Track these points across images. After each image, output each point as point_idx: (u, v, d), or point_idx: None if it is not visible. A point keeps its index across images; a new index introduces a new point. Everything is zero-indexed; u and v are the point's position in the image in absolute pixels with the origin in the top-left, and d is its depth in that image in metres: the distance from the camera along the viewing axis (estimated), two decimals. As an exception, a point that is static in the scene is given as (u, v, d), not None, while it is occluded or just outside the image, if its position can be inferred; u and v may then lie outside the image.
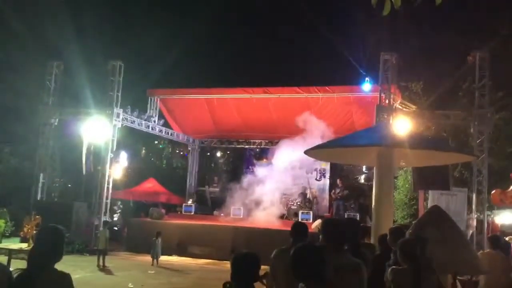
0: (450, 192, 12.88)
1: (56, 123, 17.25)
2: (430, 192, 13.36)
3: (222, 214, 17.77)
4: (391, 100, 14.03)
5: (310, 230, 4.72)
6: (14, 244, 12.03)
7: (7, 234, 14.63)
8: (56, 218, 12.28)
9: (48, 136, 17.12)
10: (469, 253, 5.18)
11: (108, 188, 15.84)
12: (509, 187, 12.25)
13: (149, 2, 26.25)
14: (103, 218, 15.32)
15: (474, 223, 13.20)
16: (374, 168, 9.40)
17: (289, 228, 4.54)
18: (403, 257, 4.13)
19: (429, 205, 12.58)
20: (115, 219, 19.17)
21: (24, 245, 11.08)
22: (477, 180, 13.35)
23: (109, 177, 15.87)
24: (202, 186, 21.06)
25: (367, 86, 15.35)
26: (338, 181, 18.09)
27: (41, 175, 16.84)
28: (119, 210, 19.17)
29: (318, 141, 11.30)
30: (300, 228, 4.46)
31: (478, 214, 13.29)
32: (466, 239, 7.10)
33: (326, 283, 2.85)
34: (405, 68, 15.02)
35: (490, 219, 14.20)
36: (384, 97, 13.99)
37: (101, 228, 13.94)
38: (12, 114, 17.66)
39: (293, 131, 15.45)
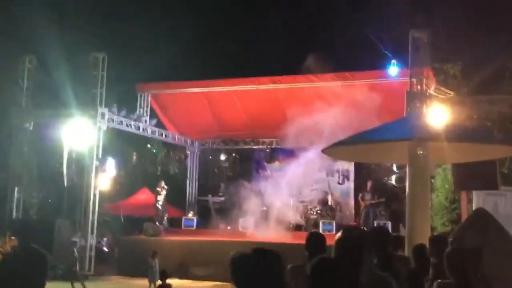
0: (498, 192, 12.74)
1: (31, 128, 17.35)
2: (474, 193, 13.23)
3: (229, 228, 17.81)
4: (424, 85, 13.93)
5: (332, 243, 4.69)
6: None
7: (-21, 259, 14.72)
8: (35, 239, 12.38)
9: (23, 143, 17.20)
10: (522, 263, 5.12)
11: (94, 201, 15.90)
12: None
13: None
14: (89, 238, 15.37)
15: (529, 228, 13.04)
16: (407, 167, 9.35)
17: (308, 242, 4.58)
18: (449, 270, 4.09)
19: (474, 208, 12.46)
20: (105, 239, 19.23)
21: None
22: (531, 177, 13.20)
23: (95, 188, 15.93)
24: (205, 196, 21.09)
25: (393, 69, 15.24)
26: (368, 184, 18.04)
27: (16, 188, 16.96)
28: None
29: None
30: (316, 240, 4.51)
31: (533, 217, 13.14)
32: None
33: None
34: (440, 48, 14.90)
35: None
36: (415, 82, 13.89)
37: (75, 249, 14.01)
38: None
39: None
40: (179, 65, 23.36)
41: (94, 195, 15.91)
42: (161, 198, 18.89)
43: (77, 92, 16.80)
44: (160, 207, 18.80)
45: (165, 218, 18.80)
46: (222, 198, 20.17)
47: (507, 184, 13.35)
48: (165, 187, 19.10)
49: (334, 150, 9.40)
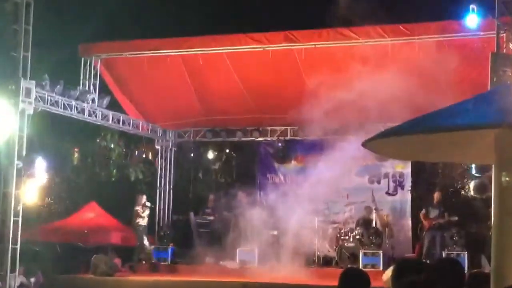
0: None
1: None
2: None
3: (220, 262, 17.81)
4: (518, 43, 13.91)
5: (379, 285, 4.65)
6: None
7: None
8: None
9: None
10: None
11: (15, 222, 15.86)
12: None
13: None
14: (8, 277, 15.35)
15: None
16: (492, 168, 9.25)
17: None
18: None
19: None
20: (33, 279, 19.30)
21: None
22: None
23: (16, 202, 15.89)
24: (184, 214, 21.12)
25: (473, 19, 15.17)
26: (434, 195, 18.08)
27: None
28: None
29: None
30: (354, 280, 4.63)
31: None
32: None
33: None
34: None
35: None
36: (504, 38, 13.86)
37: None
38: None
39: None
40: (144, 15, 23.34)
41: (16, 212, 15.87)
42: (143, 222, 19.33)
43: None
44: (142, 234, 19.28)
45: (146, 250, 19.39)
46: (211, 217, 20.19)
47: None
48: (148, 204, 19.53)
49: (381, 143, 9.23)
